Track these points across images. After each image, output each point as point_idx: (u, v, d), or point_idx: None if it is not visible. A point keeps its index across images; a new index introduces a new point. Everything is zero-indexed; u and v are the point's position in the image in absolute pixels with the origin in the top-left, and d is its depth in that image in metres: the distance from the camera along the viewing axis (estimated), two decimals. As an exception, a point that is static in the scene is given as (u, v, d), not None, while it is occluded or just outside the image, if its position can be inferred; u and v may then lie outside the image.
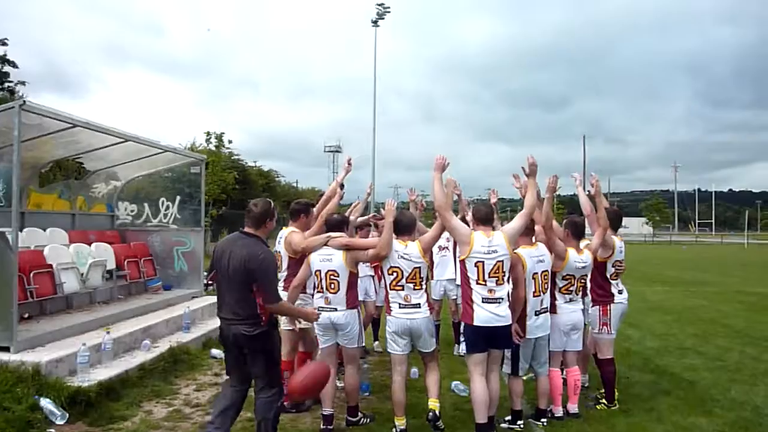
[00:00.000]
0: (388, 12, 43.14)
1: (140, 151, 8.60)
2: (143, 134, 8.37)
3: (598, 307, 5.36)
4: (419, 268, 4.55)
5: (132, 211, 9.90)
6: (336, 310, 4.56)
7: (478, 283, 4.45)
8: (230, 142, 21.85)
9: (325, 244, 4.63)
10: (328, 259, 4.55)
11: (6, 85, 25.96)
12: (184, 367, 6.58)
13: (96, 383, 5.25)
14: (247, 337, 4.01)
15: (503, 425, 4.83)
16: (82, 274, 7.47)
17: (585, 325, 5.39)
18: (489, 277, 4.43)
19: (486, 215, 4.67)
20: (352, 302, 4.63)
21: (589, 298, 5.42)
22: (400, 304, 4.54)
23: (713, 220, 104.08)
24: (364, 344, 4.75)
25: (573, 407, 5.14)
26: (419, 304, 4.54)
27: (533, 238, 5.05)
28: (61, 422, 4.70)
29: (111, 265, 8.30)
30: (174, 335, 7.35)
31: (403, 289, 4.52)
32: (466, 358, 4.70)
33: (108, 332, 6.08)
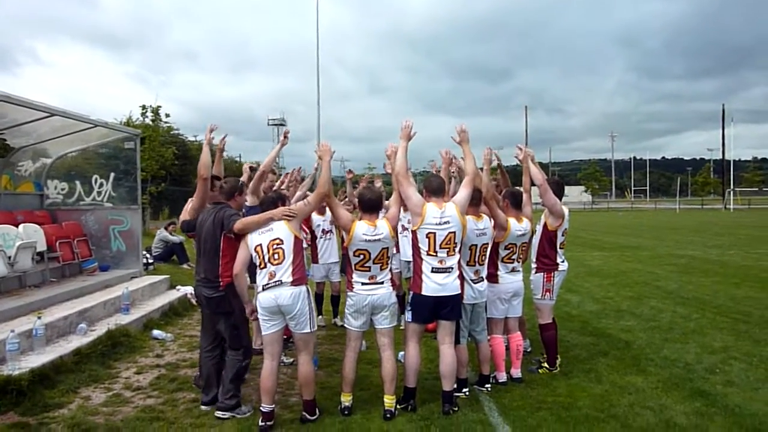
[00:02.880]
0: (330, -20, 42.21)
1: (68, 126, 8.16)
2: (78, 109, 7.94)
3: (542, 274, 5.47)
4: (387, 248, 4.47)
5: (63, 189, 9.41)
6: (281, 283, 4.17)
7: (428, 254, 4.45)
8: (167, 116, 20.96)
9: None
10: (268, 229, 4.28)
11: None
12: (123, 350, 6.35)
13: (28, 371, 4.99)
14: (208, 299, 4.60)
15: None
16: (9, 258, 7.05)
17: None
18: (440, 248, 4.44)
19: (438, 186, 4.64)
20: (299, 275, 4.23)
21: (534, 265, 5.55)
22: (363, 282, 4.47)
23: (648, 188, 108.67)
24: (316, 327, 4.48)
25: (516, 372, 5.27)
26: (383, 282, 4.50)
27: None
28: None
29: (41, 246, 7.88)
30: (113, 317, 7.08)
31: (369, 270, 4.45)
32: (405, 327, 4.71)
33: (39, 317, 5.78)
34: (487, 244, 4.91)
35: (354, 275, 4.50)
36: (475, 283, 4.85)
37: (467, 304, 4.84)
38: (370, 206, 4.57)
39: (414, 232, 4.54)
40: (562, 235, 5.54)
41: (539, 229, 5.53)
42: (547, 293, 5.47)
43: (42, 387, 5.04)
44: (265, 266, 4.25)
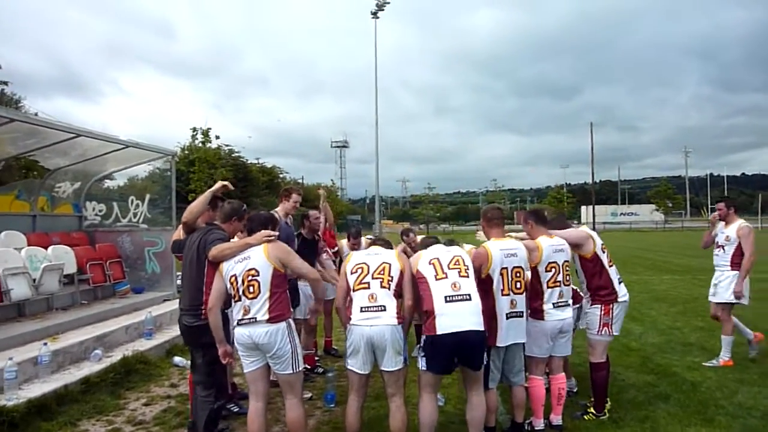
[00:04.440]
0: (388, 3, 42.65)
1: (100, 147, 8.08)
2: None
3: (599, 306, 4.72)
4: (389, 264, 3.98)
5: (100, 211, 9.41)
6: (255, 321, 3.68)
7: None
8: (217, 137, 21.25)
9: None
10: (245, 257, 3.80)
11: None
12: (138, 378, 6.05)
13: (25, 401, 4.73)
14: (188, 328, 4.17)
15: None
16: (34, 280, 6.95)
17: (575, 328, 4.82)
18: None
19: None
20: (277, 312, 3.72)
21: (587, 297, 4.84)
22: (362, 307, 3.88)
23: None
24: (302, 368, 3.94)
25: (556, 419, 4.53)
26: (384, 306, 3.87)
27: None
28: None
29: (71, 269, 7.80)
30: (134, 343, 6.82)
31: (368, 288, 3.91)
32: (419, 376, 4.05)
33: (46, 343, 5.56)
34: (520, 268, 4.26)
35: (353, 300, 3.97)
36: (509, 318, 4.17)
37: (500, 346, 4.19)
38: (379, 239, 4.43)
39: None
40: (603, 251, 4.79)
41: (576, 261, 4.83)
42: (605, 328, 4.71)
43: (39, 419, 4.77)
44: (240, 299, 3.76)
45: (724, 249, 6.42)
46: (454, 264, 3.93)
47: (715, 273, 6.50)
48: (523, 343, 4.34)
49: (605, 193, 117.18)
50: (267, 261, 3.75)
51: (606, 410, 4.73)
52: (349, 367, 4.02)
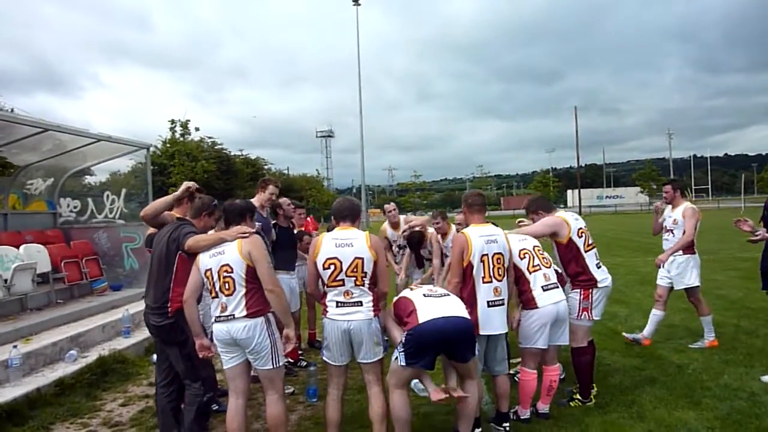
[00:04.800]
0: (368, -11, 42.09)
1: (71, 142, 7.84)
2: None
3: (578, 290, 4.62)
4: (362, 259, 3.78)
5: (75, 207, 9.15)
6: (233, 317, 3.61)
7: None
8: (197, 129, 20.87)
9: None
10: (219, 252, 3.67)
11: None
12: (115, 378, 5.89)
13: (-7, 407, 4.55)
14: (157, 328, 4.02)
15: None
16: (5, 281, 6.74)
17: None
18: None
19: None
20: (255, 307, 3.61)
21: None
22: (338, 302, 3.78)
23: (710, 186, 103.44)
24: (283, 363, 3.81)
25: (543, 407, 4.45)
26: (361, 302, 3.78)
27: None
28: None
29: (45, 267, 7.58)
30: (111, 342, 6.65)
31: (342, 284, 3.77)
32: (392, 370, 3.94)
33: (16, 345, 5.37)
34: (501, 254, 4.14)
35: (328, 295, 3.83)
36: (491, 306, 4.06)
37: (483, 335, 4.06)
38: (342, 215, 4.01)
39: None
40: (580, 237, 4.65)
41: (553, 248, 4.75)
42: (585, 312, 4.61)
43: (10, 424, 4.61)
44: (217, 296, 3.66)
45: (673, 233, 6.33)
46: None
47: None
48: (505, 333, 4.23)
49: (590, 176, 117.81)
50: (240, 257, 3.62)
51: (592, 396, 4.66)
52: (325, 359, 3.94)
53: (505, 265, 4.16)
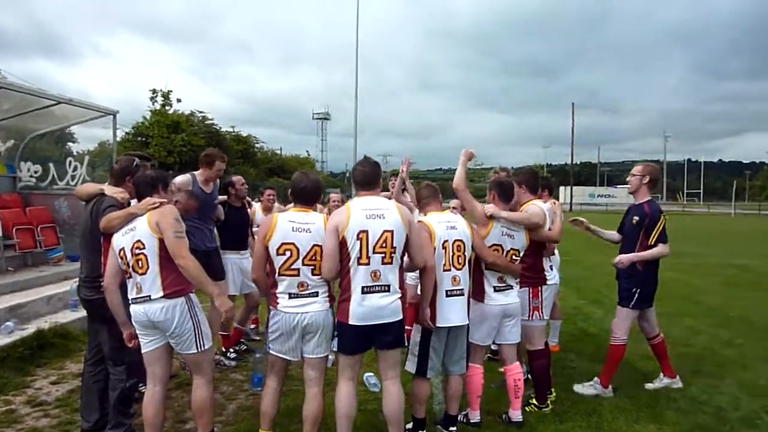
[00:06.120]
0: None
1: (29, 104, 7.42)
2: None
3: (526, 289, 4.33)
4: (321, 247, 3.40)
5: (36, 172, 8.74)
6: (150, 299, 3.27)
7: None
8: (179, 101, 20.31)
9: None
10: (131, 228, 3.33)
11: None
12: (53, 353, 5.56)
13: None
14: (87, 302, 3.80)
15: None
16: (-52, 244, 6.37)
17: None
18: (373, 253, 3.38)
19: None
20: (174, 287, 3.29)
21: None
22: (291, 293, 3.41)
23: (702, 190, 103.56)
24: (208, 346, 3.49)
25: (515, 414, 4.13)
26: (317, 292, 3.44)
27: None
28: None
29: (-5, 233, 7.20)
30: (56, 315, 6.30)
31: (298, 275, 3.39)
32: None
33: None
34: (461, 241, 3.81)
35: (279, 285, 3.44)
36: (449, 296, 3.74)
37: (442, 326, 3.76)
38: (302, 195, 3.59)
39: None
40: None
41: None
42: (536, 312, 4.33)
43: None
44: (131, 276, 3.32)
45: None
46: (381, 245, 3.38)
47: None
48: (467, 328, 3.93)
49: (585, 174, 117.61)
50: (149, 231, 3.27)
51: (549, 402, 4.38)
52: (272, 351, 3.57)
53: (466, 254, 3.84)
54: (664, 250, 4.57)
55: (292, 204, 3.69)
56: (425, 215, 3.97)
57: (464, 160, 4.20)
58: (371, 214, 3.38)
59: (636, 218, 4.67)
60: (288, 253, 3.38)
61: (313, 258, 3.40)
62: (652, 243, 4.56)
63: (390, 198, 4.81)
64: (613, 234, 5.06)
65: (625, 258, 4.66)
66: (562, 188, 77.13)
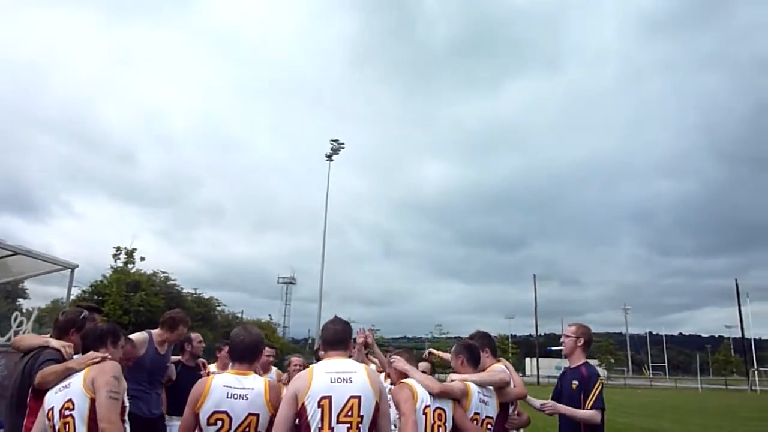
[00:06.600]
0: (342, 148, 44.29)
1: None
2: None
3: None
4: (257, 416, 2.98)
5: (-24, 326, 8.12)
6: None
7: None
8: (142, 259, 20.14)
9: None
10: (65, 386, 2.92)
11: None
12: None
13: None
14: None
15: None
16: None
17: None
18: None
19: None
20: None
21: None
22: None
23: (666, 364, 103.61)
24: None
25: None
26: None
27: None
28: None
29: None
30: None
31: None
32: None
33: None
34: (442, 410, 3.43)
35: None
36: None
37: None
38: (240, 354, 3.21)
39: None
40: None
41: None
42: None
43: None
44: None
45: None
46: (347, 413, 2.94)
47: None
48: None
49: (550, 345, 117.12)
50: (82, 389, 2.86)
51: None
52: None
53: (447, 425, 3.44)
54: (596, 416, 4.28)
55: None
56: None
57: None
58: (336, 378, 3.00)
59: (575, 383, 4.46)
60: (219, 423, 2.94)
61: (247, 429, 2.96)
62: (588, 407, 4.29)
63: None
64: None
65: (557, 405, 4.34)
66: (528, 360, 76.18)
